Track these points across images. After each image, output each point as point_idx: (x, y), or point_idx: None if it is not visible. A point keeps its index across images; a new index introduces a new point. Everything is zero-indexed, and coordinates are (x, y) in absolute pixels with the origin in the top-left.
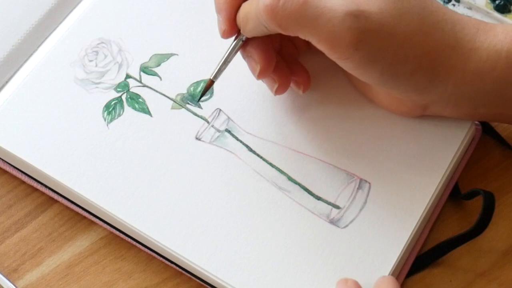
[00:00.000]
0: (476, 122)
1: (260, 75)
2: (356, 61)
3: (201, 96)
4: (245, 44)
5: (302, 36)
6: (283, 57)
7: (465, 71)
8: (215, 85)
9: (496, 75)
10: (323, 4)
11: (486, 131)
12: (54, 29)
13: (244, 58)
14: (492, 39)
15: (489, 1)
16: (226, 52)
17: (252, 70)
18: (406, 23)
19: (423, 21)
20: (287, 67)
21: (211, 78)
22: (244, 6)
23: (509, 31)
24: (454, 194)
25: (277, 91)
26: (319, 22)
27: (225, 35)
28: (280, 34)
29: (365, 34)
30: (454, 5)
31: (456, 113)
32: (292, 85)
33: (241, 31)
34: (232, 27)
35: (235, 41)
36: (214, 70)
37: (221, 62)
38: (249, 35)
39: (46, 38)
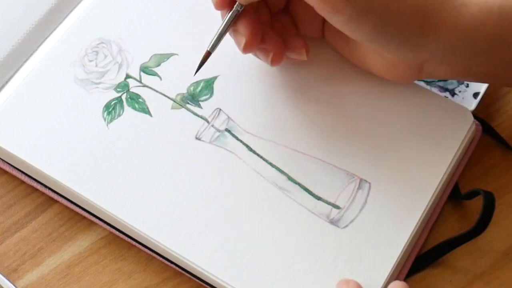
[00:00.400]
0: (477, 122)
1: (246, 48)
2: (347, 14)
3: (198, 69)
4: (234, 19)
5: None
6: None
7: (457, 26)
8: (215, 85)
9: (488, 31)
10: None
11: (486, 131)
12: (54, 29)
13: (230, 34)
14: None
15: None
16: (223, 23)
17: (237, 43)
18: None
19: None
20: (279, 38)
21: (208, 49)
22: None
23: None
24: (454, 194)
25: (273, 60)
26: None
27: (219, 6)
28: (269, 8)
29: None
30: None
31: (450, 73)
32: (292, 54)
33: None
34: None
35: (232, 11)
36: (211, 41)
37: (218, 33)
38: (244, 2)
39: (46, 38)
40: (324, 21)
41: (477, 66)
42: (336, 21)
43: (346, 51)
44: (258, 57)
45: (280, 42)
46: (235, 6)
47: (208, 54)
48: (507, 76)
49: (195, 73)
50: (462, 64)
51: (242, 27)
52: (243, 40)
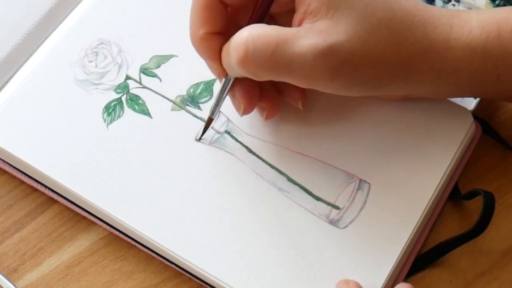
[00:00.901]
0: (476, 122)
1: (244, 113)
2: (334, 89)
3: (202, 134)
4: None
5: (276, 80)
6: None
7: (441, 71)
8: (215, 87)
9: (472, 70)
10: (292, 50)
11: (486, 131)
12: (54, 29)
13: (229, 96)
14: (467, 35)
15: (489, 1)
16: (220, 91)
17: (236, 108)
18: (376, 41)
19: (393, 33)
20: (275, 89)
21: (210, 116)
22: (223, 52)
23: (485, 25)
24: (454, 194)
25: (267, 117)
26: (291, 69)
27: (222, 75)
28: None
29: (338, 69)
30: (454, 5)
31: (434, 98)
32: (289, 102)
33: (229, 75)
34: (223, 69)
35: (226, 80)
36: (211, 108)
37: (216, 100)
38: (235, 76)
39: (46, 38)
40: None
41: (461, 94)
42: (324, 91)
43: None
44: None
45: (276, 98)
46: (228, 76)
47: (210, 121)
48: (490, 99)
49: (200, 138)
50: (446, 94)
51: (240, 94)
52: (241, 107)
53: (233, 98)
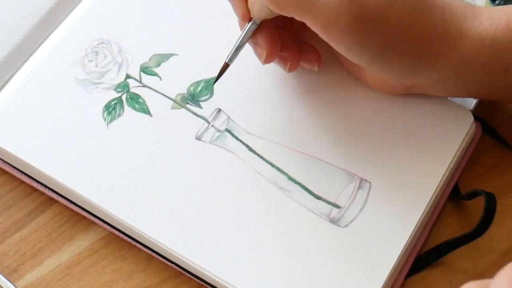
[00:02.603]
0: (476, 122)
1: (266, 61)
2: (348, 44)
3: (216, 80)
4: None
5: (297, 18)
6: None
7: (451, 59)
8: (215, 85)
9: (480, 63)
10: None
11: (486, 131)
12: (54, 29)
13: (250, 44)
14: (478, 26)
15: (489, 1)
16: (241, 35)
17: (258, 56)
18: (398, 10)
19: (414, 7)
20: (296, 46)
21: (227, 61)
22: None
23: (494, 18)
24: (454, 194)
25: (290, 69)
26: (315, 5)
27: (245, 18)
28: (283, 17)
29: (358, 20)
30: None
31: (439, 94)
32: (305, 64)
33: (251, 15)
34: (248, 11)
35: (249, 24)
36: (229, 53)
37: (236, 45)
38: (257, 18)
39: (46, 38)
40: None
41: (467, 90)
42: (336, 48)
43: (341, 57)
44: (275, 63)
45: (297, 51)
46: (253, 19)
47: (226, 66)
48: (496, 97)
49: (213, 83)
50: (452, 89)
51: (262, 40)
52: (263, 54)
53: (255, 45)
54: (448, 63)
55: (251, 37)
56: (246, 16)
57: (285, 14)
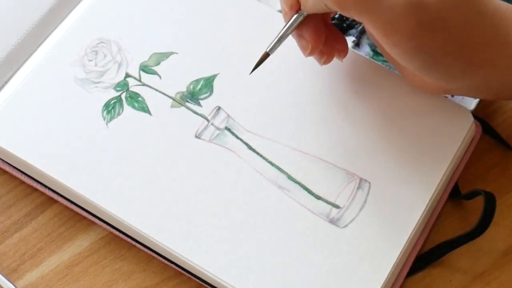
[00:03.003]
0: (476, 122)
1: (310, 54)
2: (404, 49)
3: (254, 69)
4: (299, 24)
5: (358, 19)
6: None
7: (496, 66)
8: (215, 83)
9: None
10: None
11: (486, 131)
12: (54, 29)
13: (294, 36)
14: None
15: None
16: (285, 26)
17: (302, 48)
18: (456, 17)
19: (469, 15)
20: (331, 38)
21: (267, 51)
22: None
23: None
24: (454, 194)
25: (326, 62)
26: (380, 8)
27: (293, 8)
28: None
29: (420, 26)
30: None
31: (477, 96)
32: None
33: (301, 7)
34: (297, 2)
35: (296, 16)
36: (271, 42)
37: (279, 35)
38: (309, 11)
39: (46, 38)
40: None
41: (507, 95)
42: (390, 50)
43: (385, 52)
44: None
45: (333, 44)
46: (300, 11)
47: (266, 56)
48: None
49: (251, 72)
50: (492, 93)
51: (308, 34)
52: (308, 47)
53: (300, 38)
54: (493, 70)
55: (297, 28)
56: (295, 6)
57: (345, 14)
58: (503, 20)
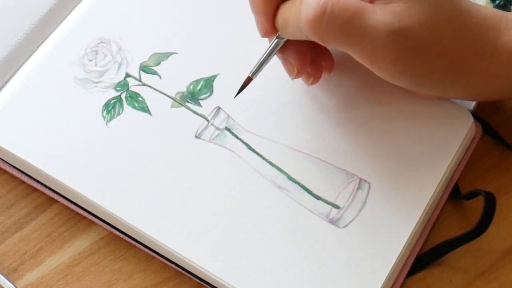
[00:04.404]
0: (476, 122)
1: (297, 77)
2: (392, 73)
3: (238, 93)
4: (282, 47)
5: (340, 49)
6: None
7: (486, 75)
8: (215, 83)
9: None
10: (366, 23)
11: (486, 131)
12: (54, 29)
13: (279, 58)
14: None
15: (489, 1)
16: (266, 51)
17: (289, 72)
18: (440, 36)
19: (455, 31)
20: (317, 55)
21: (250, 75)
22: (283, 9)
23: None
24: (454, 194)
25: (313, 83)
26: (362, 40)
27: (267, 35)
28: None
29: (405, 53)
30: None
31: (472, 100)
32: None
33: (280, 34)
34: (273, 28)
35: (276, 41)
36: (253, 67)
37: (261, 61)
38: (288, 37)
39: (46, 38)
40: None
41: (500, 97)
42: (379, 75)
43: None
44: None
45: (320, 64)
46: (280, 36)
47: (249, 80)
48: None
49: (235, 96)
50: (484, 98)
51: (293, 57)
52: (294, 70)
53: (285, 61)
54: (483, 79)
55: (281, 52)
56: (271, 32)
57: (325, 45)
58: (490, 30)
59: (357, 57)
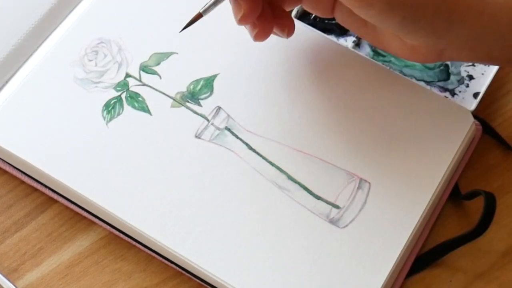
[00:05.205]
0: (477, 122)
1: (242, 21)
2: (379, 7)
3: (184, 27)
4: None
5: None
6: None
7: (482, 13)
8: (215, 83)
9: None
10: None
11: (486, 131)
12: (54, 29)
13: (230, 1)
14: None
15: None
16: None
17: (234, 12)
18: None
19: None
20: (271, 12)
21: (201, 11)
22: None
23: None
24: (454, 194)
25: (257, 36)
26: None
27: None
28: None
29: None
30: None
31: (471, 57)
32: (276, 29)
33: None
34: None
35: None
36: (206, 4)
37: None
38: None
39: (46, 38)
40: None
41: (499, 51)
42: (366, 14)
43: (363, 32)
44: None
45: (270, 20)
46: None
47: (199, 16)
48: None
49: (181, 30)
50: (484, 49)
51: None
52: (240, 12)
53: (235, 1)
54: (479, 17)
55: None
56: None
57: None
58: None
59: None
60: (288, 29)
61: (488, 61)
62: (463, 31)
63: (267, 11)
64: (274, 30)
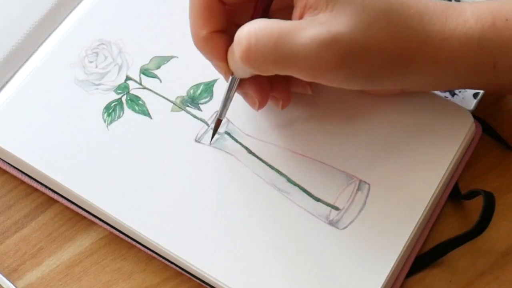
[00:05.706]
0: (476, 122)
1: (260, 107)
2: (338, 81)
3: (213, 136)
4: (240, 82)
5: (282, 74)
6: None
7: (438, 61)
8: (215, 88)
9: (468, 61)
10: (295, 42)
11: (486, 131)
12: (54, 29)
13: (240, 94)
14: (463, 25)
15: None
16: (226, 92)
17: (251, 105)
18: (376, 33)
19: (391, 24)
20: (286, 80)
21: (218, 117)
22: (229, 53)
23: (479, 15)
24: (454, 194)
25: (283, 106)
26: (295, 61)
27: (228, 75)
28: None
29: (341, 59)
30: None
31: (433, 90)
32: (297, 89)
33: (235, 74)
34: (230, 70)
35: (231, 80)
36: (219, 109)
37: (224, 100)
38: (242, 77)
39: (46, 39)
40: None
41: (458, 86)
42: (327, 85)
43: None
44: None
45: (287, 86)
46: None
47: (219, 122)
48: (486, 90)
49: (211, 140)
50: (444, 86)
51: (251, 89)
52: (256, 102)
53: (246, 96)
54: (436, 66)
55: (239, 88)
56: (229, 72)
57: (269, 74)
58: (434, 18)
59: (301, 77)
60: (310, 86)
61: (449, 89)
62: (420, 77)
63: (279, 81)
64: (296, 90)
